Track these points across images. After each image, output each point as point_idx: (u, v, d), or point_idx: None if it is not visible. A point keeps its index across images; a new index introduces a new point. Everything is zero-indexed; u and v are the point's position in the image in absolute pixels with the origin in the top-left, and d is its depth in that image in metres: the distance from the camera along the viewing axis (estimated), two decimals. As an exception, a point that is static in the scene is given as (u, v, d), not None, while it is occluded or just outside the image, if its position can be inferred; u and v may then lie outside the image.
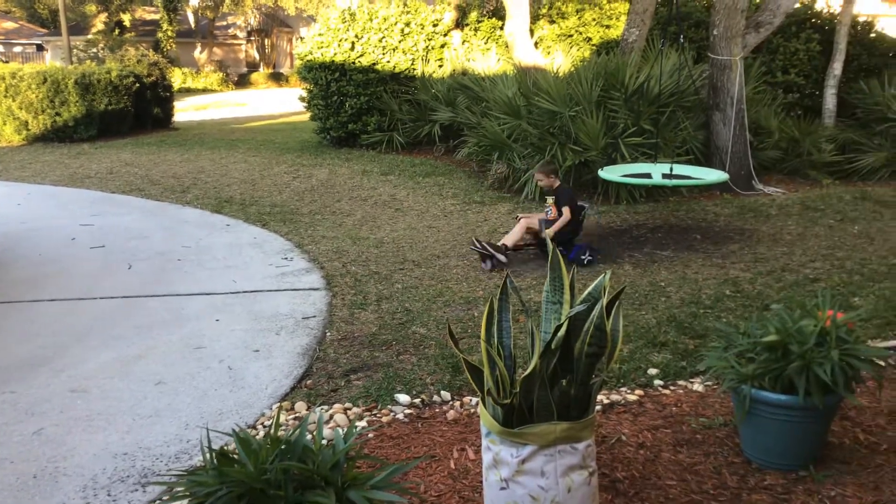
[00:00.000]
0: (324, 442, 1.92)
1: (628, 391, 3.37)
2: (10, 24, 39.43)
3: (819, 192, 7.86)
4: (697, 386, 3.42)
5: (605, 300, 2.01)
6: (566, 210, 5.65)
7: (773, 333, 2.59)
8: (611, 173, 6.27)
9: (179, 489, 1.86)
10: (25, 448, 2.99)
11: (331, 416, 3.21)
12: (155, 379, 3.65)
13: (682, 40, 6.58)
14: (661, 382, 3.47)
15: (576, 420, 2.08)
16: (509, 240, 5.64)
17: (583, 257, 5.55)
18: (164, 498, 2.61)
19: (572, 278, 2.13)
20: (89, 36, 33.08)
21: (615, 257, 5.69)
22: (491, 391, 2.05)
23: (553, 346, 2.00)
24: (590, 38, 12.23)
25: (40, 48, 37.05)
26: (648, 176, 6.23)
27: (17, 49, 36.87)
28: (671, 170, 6.38)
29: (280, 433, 3.05)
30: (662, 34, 7.03)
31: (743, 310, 4.39)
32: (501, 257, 5.50)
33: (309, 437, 1.87)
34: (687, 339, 3.97)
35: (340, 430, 2.13)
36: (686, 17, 10.26)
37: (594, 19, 12.37)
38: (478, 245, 5.53)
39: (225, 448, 1.98)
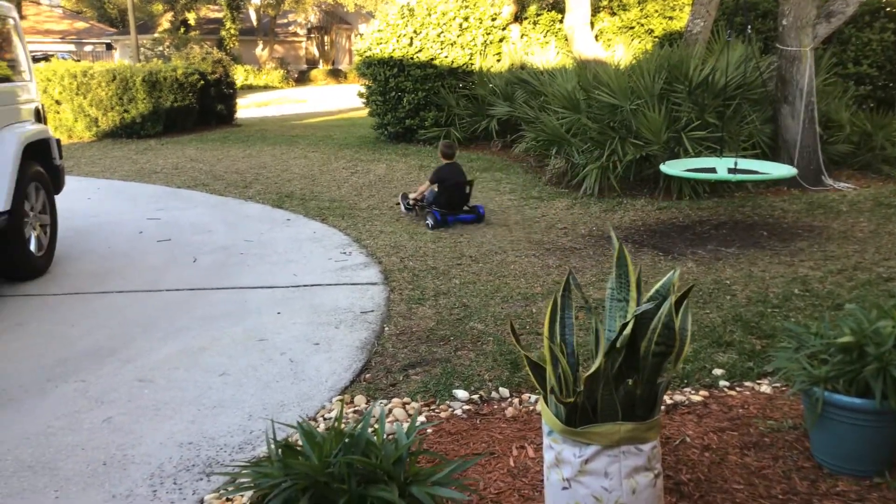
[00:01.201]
0: (385, 436, 1.92)
1: (692, 391, 3.28)
2: (81, 24, 40.89)
3: (892, 188, 7.53)
4: (765, 387, 3.31)
5: (673, 298, 1.95)
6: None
7: (848, 334, 2.48)
8: (673, 168, 6.14)
9: (244, 480, 1.89)
10: (95, 435, 3.08)
11: (389, 411, 3.22)
12: (219, 370, 3.72)
13: (749, 31, 6.38)
14: (726, 383, 3.37)
15: (641, 420, 2.03)
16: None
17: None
18: (229, 488, 2.66)
19: (639, 275, 2.08)
20: (156, 34, 34.07)
21: (678, 254, 5.56)
22: (554, 389, 2.01)
23: (618, 345, 1.96)
24: (652, 30, 11.99)
25: (109, 47, 38.33)
26: (713, 170, 6.08)
27: (88, 48, 38.22)
28: (736, 164, 6.21)
29: (342, 426, 3.09)
30: (729, 25, 6.83)
31: (812, 309, 4.24)
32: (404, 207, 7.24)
33: (370, 431, 1.87)
34: (754, 338, 3.85)
35: (402, 425, 2.13)
36: (753, 7, 9.96)
37: (657, 10, 12.13)
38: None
39: (289, 440, 2.01)
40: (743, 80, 7.78)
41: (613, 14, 12.51)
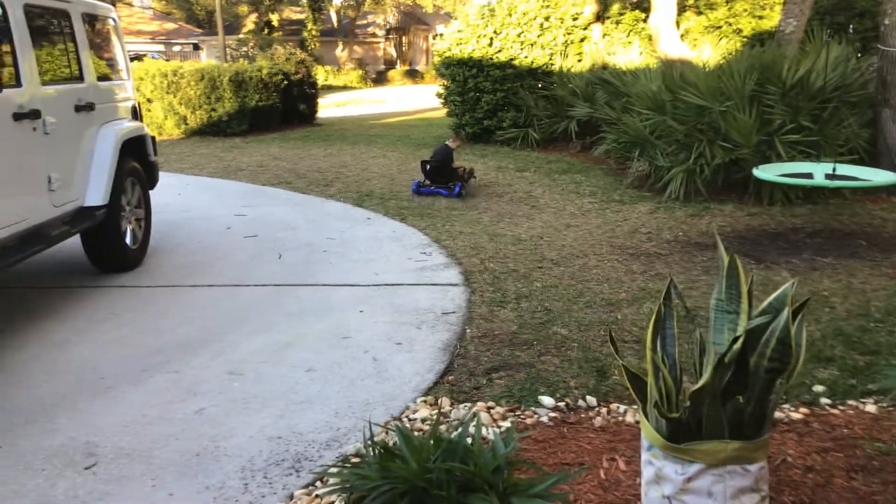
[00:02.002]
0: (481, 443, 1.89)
1: (792, 409, 3.13)
2: (170, 25, 42.47)
3: None
4: (870, 406, 3.13)
5: (789, 311, 1.85)
6: None
7: (974, 356, 2.31)
8: (767, 172, 5.91)
9: (333, 479, 1.89)
10: (188, 426, 3.16)
11: (474, 415, 3.19)
12: (305, 366, 3.77)
13: (851, 30, 6.08)
14: (828, 401, 3.20)
15: (748, 439, 1.93)
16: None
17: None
18: (317, 484, 2.69)
19: (750, 287, 1.99)
20: (241, 35, 35.09)
21: (770, 262, 5.35)
22: (657, 403, 1.94)
23: (727, 360, 1.87)
24: (740, 30, 11.62)
25: (196, 47, 39.68)
26: (810, 176, 5.82)
27: (176, 48, 39.67)
28: (835, 170, 5.94)
29: (425, 428, 3.08)
30: (830, 25, 6.54)
31: (920, 325, 4.00)
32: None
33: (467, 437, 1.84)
34: (856, 354, 3.65)
35: (495, 431, 2.09)
36: (849, 6, 9.52)
37: (745, 10, 11.74)
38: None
39: (378, 440, 2.00)
40: (841, 81, 7.43)
41: (700, 13, 12.17)
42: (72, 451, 2.96)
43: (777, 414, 3.08)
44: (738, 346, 1.87)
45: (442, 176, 8.41)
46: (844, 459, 2.69)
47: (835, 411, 3.11)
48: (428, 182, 8.49)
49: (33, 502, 2.63)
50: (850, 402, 3.19)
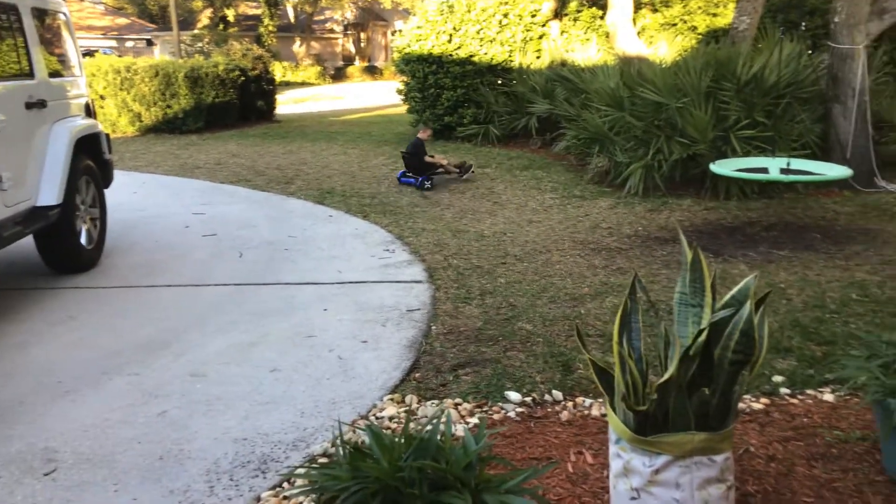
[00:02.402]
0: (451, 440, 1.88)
1: (753, 399, 3.20)
2: (122, 21, 41.52)
3: (950, 190, 7.31)
4: (828, 396, 3.21)
5: (752, 304, 1.89)
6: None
7: (927, 344, 2.39)
8: (723, 167, 6.02)
9: (301, 480, 1.87)
10: (151, 429, 3.10)
11: (443, 412, 3.19)
12: (269, 366, 3.73)
13: (803, 28, 6.22)
14: (787, 391, 3.28)
15: (714, 431, 1.97)
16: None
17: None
18: (284, 485, 2.66)
19: (714, 280, 2.02)
20: (195, 31, 34.50)
21: (728, 256, 5.45)
22: (625, 396, 1.96)
23: (692, 352, 1.90)
24: (695, 27, 11.80)
25: (150, 43, 38.87)
26: (765, 171, 5.95)
27: (129, 44, 38.80)
28: (789, 164, 6.07)
29: (393, 426, 3.07)
30: (782, 23, 6.67)
31: (873, 315, 4.12)
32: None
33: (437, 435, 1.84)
34: (813, 345, 3.74)
35: (465, 427, 2.09)
36: (800, 4, 9.74)
37: (700, 7, 11.93)
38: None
39: (346, 439, 1.98)
40: (793, 78, 7.61)
41: (656, 11, 12.33)
42: (30, 458, 2.89)
43: (739, 405, 3.14)
44: (702, 338, 1.90)
45: (412, 166, 8.75)
46: (805, 448, 2.76)
47: (794, 401, 3.18)
48: (409, 173, 8.83)
49: (-10, 511, 2.55)
50: (809, 391, 3.27)
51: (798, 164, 6.16)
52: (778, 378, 3.38)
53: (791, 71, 7.61)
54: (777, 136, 7.16)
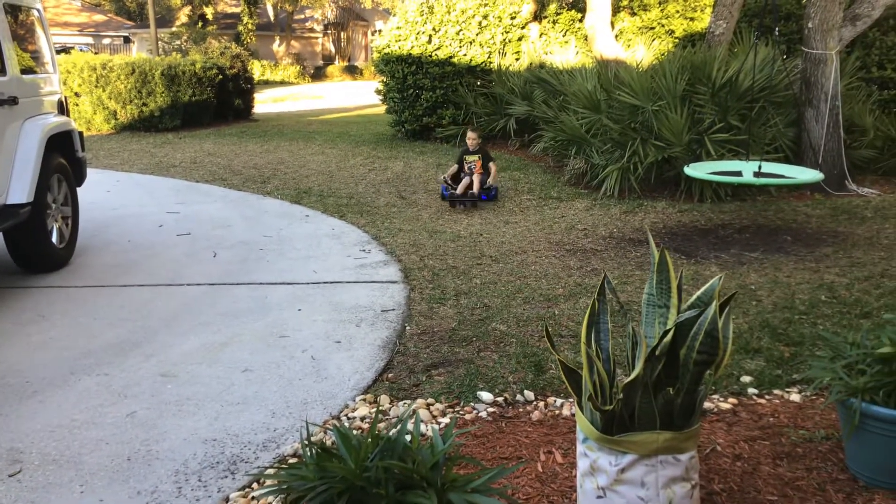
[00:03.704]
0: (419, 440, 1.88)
1: (721, 399, 3.24)
2: (99, 17, 41.08)
3: (919, 194, 7.44)
4: (795, 396, 3.26)
5: (716, 305, 1.91)
6: (493, 165, 8.03)
7: (889, 345, 2.43)
8: (698, 170, 6.08)
9: (270, 481, 1.86)
10: (119, 430, 3.07)
11: (413, 412, 3.19)
12: (241, 366, 3.71)
13: (777, 33, 6.30)
14: (755, 391, 3.32)
15: (679, 430, 1.99)
16: (476, 189, 7.64)
17: (496, 196, 7.82)
18: (253, 486, 2.65)
19: (680, 281, 2.04)
20: (174, 28, 34.19)
21: (700, 257, 5.51)
22: (592, 396, 1.98)
23: (658, 352, 1.92)
24: (672, 31, 11.90)
25: (127, 40, 38.50)
26: (738, 174, 6.01)
27: (106, 41, 38.41)
28: (761, 168, 6.14)
29: (364, 426, 3.06)
30: (758, 27, 6.74)
31: (840, 317, 4.18)
32: (473, 204, 7.52)
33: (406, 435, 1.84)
34: (782, 346, 3.79)
35: (434, 427, 2.10)
36: (774, 9, 9.85)
37: (677, 11, 12.04)
38: (456, 196, 7.60)
39: (316, 440, 1.98)
40: (767, 82, 7.70)
41: (634, 14, 12.42)
42: (-6, 459, 2.85)
43: (707, 404, 3.18)
44: (668, 339, 1.92)
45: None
46: (770, 447, 2.80)
47: (761, 401, 3.22)
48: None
49: (-48, 513, 2.52)
50: (776, 391, 3.31)
51: (771, 167, 6.23)
52: (746, 378, 3.42)
53: (765, 75, 7.70)
54: (750, 139, 7.24)
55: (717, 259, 5.47)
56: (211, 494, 2.61)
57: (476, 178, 7.72)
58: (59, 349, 3.96)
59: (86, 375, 3.62)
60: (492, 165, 7.99)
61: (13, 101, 5.07)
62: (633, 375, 1.92)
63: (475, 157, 8.01)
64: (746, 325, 4.09)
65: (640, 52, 11.11)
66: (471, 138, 8.14)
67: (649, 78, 8.02)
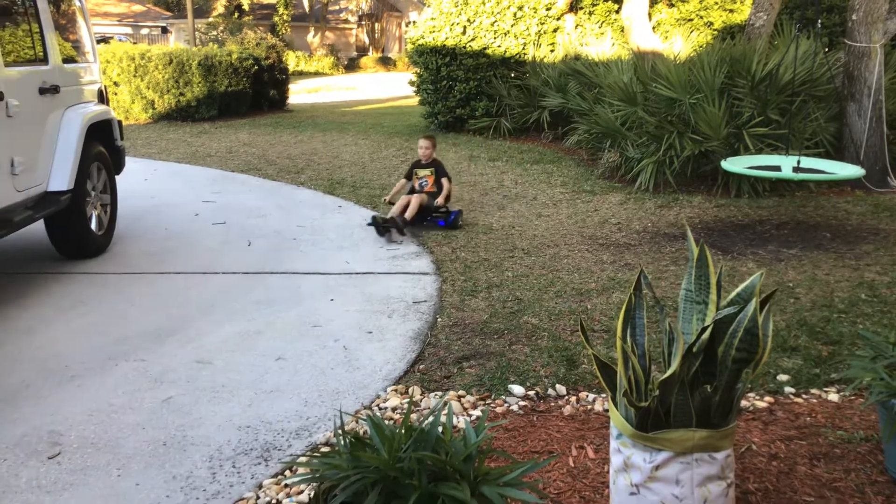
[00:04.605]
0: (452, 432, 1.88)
1: (757, 397, 3.19)
2: (138, 8, 41.64)
3: (965, 192, 7.23)
4: (833, 396, 3.20)
5: (757, 302, 1.88)
6: (446, 181, 6.58)
7: (933, 346, 2.37)
8: (735, 165, 5.98)
9: (302, 469, 1.88)
10: (155, 415, 3.12)
11: (445, 404, 3.19)
12: (275, 355, 3.75)
13: (819, 25, 6.16)
14: (792, 390, 3.26)
15: (715, 427, 1.96)
16: (409, 213, 6.12)
17: (460, 222, 6.38)
18: (286, 473, 2.67)
19: (719, 277, 2.01)
20: (210, 19, 34.53)
21: (737, 253, 5.42)
22: (627, 392, 1.96)
23: (695, 349, 1.89)
24: (711, 23, 11.72)
25: (165, 30, 38.99)
26: (777, 169, 5.90)
27: (144, 31, 38.93)
28: (799, 163, 6.03)
29: (396, 416, 3.08)
30: (799, 19, 6.60)
31: (881, 316, 4.09)
32: (399, 232, 6.04)
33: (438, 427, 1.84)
34: (820, 344, 3.72)
35: (466, 419, 2.10)
36: (817, 0, 9.64)
37: (717, 3, 11.84)
38: (380, 221, 6.05)
39: (349, 429, 1.99)
40: (809, 75, 7.54)
41: (672, 5, 12.25)
42: (35, 441, 2.91)
43: (742, 402, 3.13)
44: (706, 335, 1.89)
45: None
46: (807, 447, 2.75)
47: (799, 400, 3.17)
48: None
49: (-5, 492, 2.58)
50: (814, 391, 3.25)
51: (810, 162, 6.11)
52: (783, 377, 3.36)
53: (806, 68, 7.53)
54: (790, 133, 7.11)
55: (754, 255, 5.38)
56: (244, 480, 2.64)
57: (415, 200, 6.20)
58: (97, 335, 4.04)
59: (123, 361, 3.68)
60: (445, 182, 6.54)
61: (55, 89, 5.17)
62: (669, 372, 1.89)
63: (427, 172, 6.62)
64: (784, 322, 4.02)
65: (678, 44, 10.95)
66: (423, 147, 6.68)
67: (687, 70, 7.90)
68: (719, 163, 6.47)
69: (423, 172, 6.64)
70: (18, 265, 5.32)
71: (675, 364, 1.89)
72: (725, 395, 1.96)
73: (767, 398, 3.18)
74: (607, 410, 3.06)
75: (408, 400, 3.25)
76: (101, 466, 2.74)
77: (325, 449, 2.77)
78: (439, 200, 6.38)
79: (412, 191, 6.53)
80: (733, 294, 2.01)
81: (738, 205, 6.93)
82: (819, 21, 6.34)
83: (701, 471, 1.96)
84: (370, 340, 3.95)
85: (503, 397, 3.26)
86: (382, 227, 5.99)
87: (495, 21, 11.81)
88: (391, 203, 6.45)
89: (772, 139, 7.25)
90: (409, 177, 6.74)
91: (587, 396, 3.24)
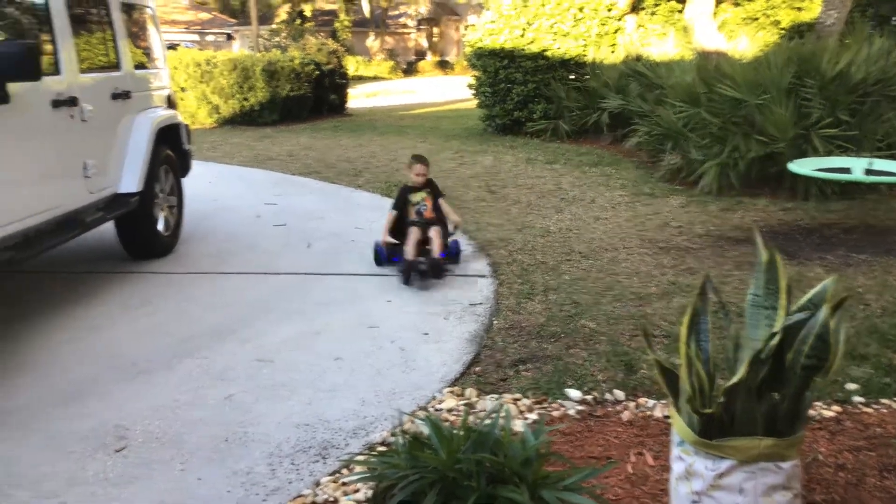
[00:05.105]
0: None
1: (824, 406, 3.08)
2: (204, 15, 42.82)
3: None
4: (906, 407, 3.06)
5: (828, 308, 1.81)
6: (444, 202, 5.55)
7: None
8: (803, 167, 5.80)
9: (359, 467, 1.89)
10: (217, 412, 3.19)
11: (501, 406, 3.17)
12: (333, 354, 3.79)
13: (894, 22, 5.92)
14: (861, 399, 3.14)
15: (782, 436, 1.90)
16: (410, 254, 5.06)
17: (461, 250, 5.44)
18: (343, 472, 2.70)
19: (789, 283, 1.94)
20: (273, 25, 35.25)
21: (804, 258, 5.25)
22: (691, 398, 1.91)
23: (763, 356, 1.83)
24: (778, 22, 11.41)
25: (229, 37, 39.98)
26: (847, 171, 5.70)
27: (210, 38, 39.99)
28: (872, 164, 5.81)
29: (452, 418, 3.07)
30: (873, 17, 6.38)
31: (960, 325, 3.90)
32: (436, 275, 4.96)
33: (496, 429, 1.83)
34: (891, 353, 3.57)
35: (524, 423, 2.08)
36: (891, -3, 9.30)
37: (784, 1, 11.51)
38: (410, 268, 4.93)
39: (405, 429, 2.00)
40: (882, 75, 7.26)
41: (737, 4, 11.97)
42: (102, 434, 3.01)
43: (809, 411, 3.03)
44: (775, 342, 1.83)
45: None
46: (877, 459, 2.64)
47: (868, 410, 3.05)
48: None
49: (64, 483, 2.67)
50: (884, 400, 3.13)
51: (882, 164, 5.88)
52: (852, 385, 3.24)
53: (879, 68, 7.27)
54: (861, 135, 6.85)
55: (821, 260, 5.20)
56: (303, 478, 2.67)
57: (436, 233, 5.27)
58: (162, 333, 4.15)
59: (187, 358, 3.78)
60: (444, 203, 5.51)
61: (127, 95, 5.34)
62: (736, 378, 1.84)
63: (423, 195, 5.48)
64: (853, 329, 3.87)
65: (743, 44, 10.69)
66: (419, 172, 5.46)
67: (753, 70, 7.71)
68: (786, 165, 6.28)
69: (417, 197, 5.46)
70: (89, 265, 5.51)
71: (741, 370, 1.83)
72: (793, 403, 1.90)
73: (835, 407, 3.07)
74: (667, 417, 3.00)
75: (464, 402, 3.24)
76: (165, 460, 2.81)
77: (381, 448, 2.79)
78: (455, 222, 5.50)
79: (408, 223, 5.36)
80: (803, 300, 1.94)
81: (805, 208, 6.71)
82: (894, 18, 6.09)
83: (766, 480, 1.89)
84: (426, 342, 3.96)
85: (560, 401, 3.23)
86: (415, 270, 4.95)
87: (555, 23, 11.73)
88: (392, 244, 5.33)
89: (841, 141, 7.00)
90: (399, 206, 5.47)
91: (646, 402, 3.18)
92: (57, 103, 4.38)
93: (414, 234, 5.23)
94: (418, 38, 44.04)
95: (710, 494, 1.94)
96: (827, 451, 2.71)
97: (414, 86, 29.06)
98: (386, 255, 5.27)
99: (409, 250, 5.10)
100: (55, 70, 4.42)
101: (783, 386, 1.89)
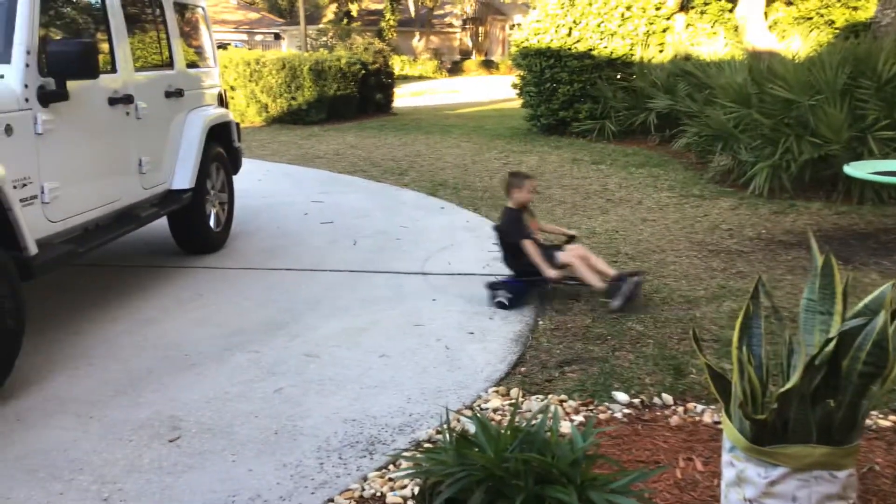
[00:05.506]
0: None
1: (880, 416, 3.00)
2: (253, 15, 43.48)
3: None
4: (967, 419, 2.97)
5: (888, 314, 1.77)
6: (534, 221, 4.90)
7: None
8: (858, 170, 5.66)
9: (406, 463, 1.91)
10: (267, 405, 3.25)
11: (548, 406, 3.17)
12: (379, 351, 3.83)
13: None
14: (920, 410, 3.05)
15: (838, 445, 1.86)
16: (603, 267, 4.56)
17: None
18: (389, 468, 2.73)
19: (846, 287, 1.91)
20: (321, 25, 35.65)
21: (859, 263, 5.12)
22: (743, 404, 1.89)
23: (818, 362, 1.80)
24: (832, 21, 11.14)
25: (277, 37, 40.51)
26: (906, 175, 5.54)
27: (259, 38, 40.59)
28: (931, 168, 5.64)
29: (497, 417, 3.08)
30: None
31: None
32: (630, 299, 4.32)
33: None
34: (953, 363, 3.46)
35: (570, 424, 2.08)
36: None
37: (839, 0, 11.23)
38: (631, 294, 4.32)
39: (452, 427, 2.01)
40: (943, 75, 7.04)
41: (790, 4, 11.72)
42: (157, 424, 3.09)
43: (865, 420, 2.96)
44: (830, 347, 1.80)
45: (511, 258, 4.77)
46: (938, 472, 2.57)
47: (928, 421, 2.96)
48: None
49: (122, 470, 2.76)
50: (945, 412, 3.04)
51: (943, 168, 5.70)
52: (911, 396, 3.15)
53: (940, 68, 7.05)
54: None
55: (877, 266, 5.07)
56: (350, 472, 2.71)
57: (584, 251, 4.70)
58: (214, 326, 4.24)
59: (238, 351, 3.86)
60: (533, 222, 4.94)
61: (179, 93, 5.47)
62: (789, 384, 1.81)
63: (531, 218, 4.95)
64: (912, 338, 3.76)
65: (796, 44, 10.46)
66: (529, 189, 4.84)
67: (806, 71, 7.54)
68: (841, 168, 6.14)
69: (530, 220, 4.88)
70: (143, 259, 5.66)
71: (795, 376, 1.81)
72: (849, 411, 1.86)
73: (892, 417, 2.99)
74: (718, 422, 2.96)
75: (510, 401, 3.25)
76: (217, 451, 2.88)
77: (427, 445, 2.81)
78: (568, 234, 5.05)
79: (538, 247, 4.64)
80: (860, 305, 1.90)
81: (861, 212, 6.54)
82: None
83: (820, 489, 1.86)
84: (471, 341, 3.98)
85: (606, 404, 3.21)
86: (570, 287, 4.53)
87: (602, 22, 11.63)
88: (562, 282, 4.62)
89: (900, 143, 6.81)
90: (523, 235, 4.65)
91: (695, 407, 3.14)
92: (113, 101, 4.51)
93: (575, 254, 4.57)
94: (463, 38, 44.07)
95: (761, 501, 1.92)
96: (884, 462, 2.65)
97: (458, 85, 29.10)
98: (524, 290, 4.55)
99: (591, 277, 4.45)
100: (111, 68, 4.55)
101: (838, 393, 1.85)
